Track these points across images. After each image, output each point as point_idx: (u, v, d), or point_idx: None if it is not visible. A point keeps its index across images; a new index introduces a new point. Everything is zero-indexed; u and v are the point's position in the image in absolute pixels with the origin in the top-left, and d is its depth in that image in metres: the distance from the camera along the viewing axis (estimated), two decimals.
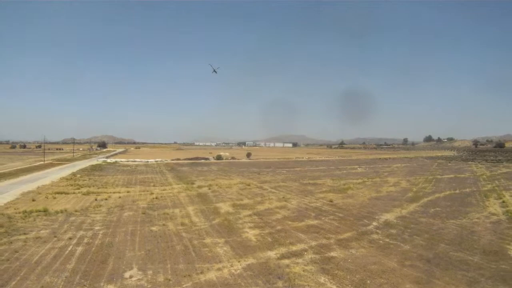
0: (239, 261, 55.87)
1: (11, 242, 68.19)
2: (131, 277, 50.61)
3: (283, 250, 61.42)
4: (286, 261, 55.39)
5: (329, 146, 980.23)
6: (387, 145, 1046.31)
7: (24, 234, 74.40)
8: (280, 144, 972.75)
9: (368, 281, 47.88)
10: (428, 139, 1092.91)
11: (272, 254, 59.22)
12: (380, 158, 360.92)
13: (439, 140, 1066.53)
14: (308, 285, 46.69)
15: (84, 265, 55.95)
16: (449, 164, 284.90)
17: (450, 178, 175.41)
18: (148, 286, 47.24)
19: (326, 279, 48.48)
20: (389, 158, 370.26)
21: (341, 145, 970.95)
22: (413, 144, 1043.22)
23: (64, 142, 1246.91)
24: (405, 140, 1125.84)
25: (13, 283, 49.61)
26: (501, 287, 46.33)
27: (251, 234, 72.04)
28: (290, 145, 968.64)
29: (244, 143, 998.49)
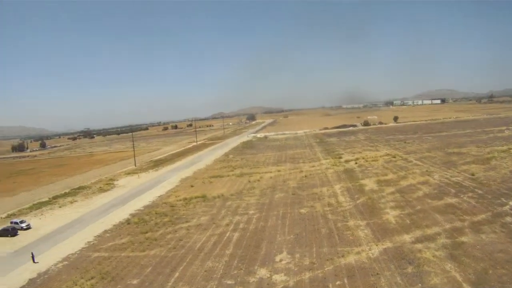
0: (377, 245, 62.01)
1: (175, 231, 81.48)
2: (281, 260, 59.44)
3: (418, 233, 65.98)
4: (419, 246, 60.11)
5: (478, 100, 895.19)
6: None
7: (186, 222, 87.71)
8: (428, 101, 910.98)
9: (490, 271, 50.71)
10: None
11: (407, 237, 64.24)
12: None
13: None
14: (434, 272, 51.06)
15: (241, 250, 66.36)
16: None
17: None
18: (295, 269, 55.48)
19: (452, 267, 52.35)
20: None
21: (490, 98, 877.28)
22: None
23: (214, 117, 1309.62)
24: None
25: (181, 268, 61.36)
26: None
27: (391, 215, 77.29)
28: (439, 101, 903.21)
29: (391, 103, 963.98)
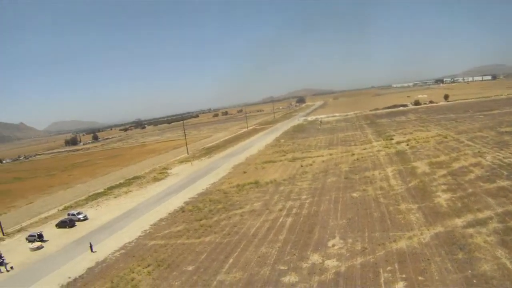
0: (428, 229, 61.75)
1: (229, 217, 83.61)
2: (333, 246, 60.41)
3: (470, 217, 64.92)
4: (470, 230, 59.23)
5: None
6: None
7: (240, 208, 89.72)
8: (479, 78, 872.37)
9: None
10: None
11: (459, 222, 63.41)
12: None
13: None
14: (485, 259, 50.29)
15: (294, 235, 67.63)
16: None
17: None
18: (347, 255, 56.34)
19: (503, 253, 51.16)
20: None
21: None
22: None
23: (264, 102, 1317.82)
24: None
25: (235, 254, 63.30)
26: None
27: (443, 198, 76.40)
28: (489, 77, 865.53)
29: (441, 80, 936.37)
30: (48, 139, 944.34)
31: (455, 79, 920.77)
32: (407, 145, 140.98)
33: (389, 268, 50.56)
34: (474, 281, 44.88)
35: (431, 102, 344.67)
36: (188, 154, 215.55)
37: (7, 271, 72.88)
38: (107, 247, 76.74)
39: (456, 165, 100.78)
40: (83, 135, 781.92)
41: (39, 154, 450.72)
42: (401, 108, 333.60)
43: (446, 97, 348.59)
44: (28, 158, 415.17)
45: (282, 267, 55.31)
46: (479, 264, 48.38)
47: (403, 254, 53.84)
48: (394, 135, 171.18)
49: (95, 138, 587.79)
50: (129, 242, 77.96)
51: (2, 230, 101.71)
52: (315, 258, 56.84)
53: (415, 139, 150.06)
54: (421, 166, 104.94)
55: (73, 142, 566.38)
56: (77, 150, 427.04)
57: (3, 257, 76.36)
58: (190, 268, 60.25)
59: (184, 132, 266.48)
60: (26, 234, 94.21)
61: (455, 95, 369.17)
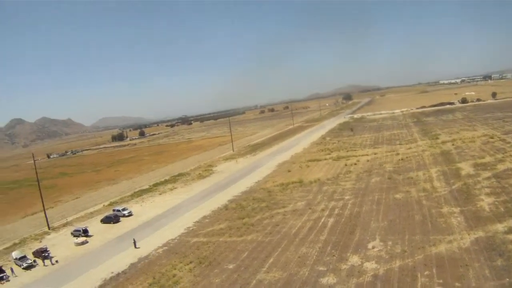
0: (468, 234, 61.24)
1: (272, 216, 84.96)
2: (373, 248, 60.95)
3: None
4: (511, 237, 58.03)
5: None
6: None
7: (283, 207, 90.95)
8: None
9: None
10: None
11: (500, 227, 62.38)
12: None
13: None
14: None
15: (335, 236, 68.43)
16: None
17: None
18: (386, 257, 56.75)
19: None
20: None
21: None
22: None
23: (309, 99, 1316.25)
24: None
25: (275, 254, 64.52)
26: None
27: (485, 202, 75.20)
28: None
29: (489, 77, 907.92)
30: (95, 135, 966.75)
31: (504, 75, 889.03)
32: (453, 145, 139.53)
33: (427, 272, 50.77)
34: None
35: (478, 100, 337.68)
36: (233, 151, 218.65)
37: (52, 264, 76.87)
38: (150, 244, 79.46)
39: (501, 167, 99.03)
40: (130, 130, 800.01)
41: (85, 150, 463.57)
42: (448, 106, 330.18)
43: (494, 95, 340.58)
44: (75, 153, 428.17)
45: (321, 268, 56.26)
46: None
47: (442, 259, 53.89)
48: (440, 134, 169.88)
49: (142, 134, 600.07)
50: (172, 239, 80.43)
51: (48, 225, 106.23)
52: (355, 260, 57.60)
53: (460, 139, 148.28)
54: (466, 168, 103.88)
55: (119, 137, 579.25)
56: (124, 146, 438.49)
57: (48, 251, 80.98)
58: (231, 266, 61.95)
59: (230, 129, 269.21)
60: (72, 228, 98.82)
61: (503, 93, 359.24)
